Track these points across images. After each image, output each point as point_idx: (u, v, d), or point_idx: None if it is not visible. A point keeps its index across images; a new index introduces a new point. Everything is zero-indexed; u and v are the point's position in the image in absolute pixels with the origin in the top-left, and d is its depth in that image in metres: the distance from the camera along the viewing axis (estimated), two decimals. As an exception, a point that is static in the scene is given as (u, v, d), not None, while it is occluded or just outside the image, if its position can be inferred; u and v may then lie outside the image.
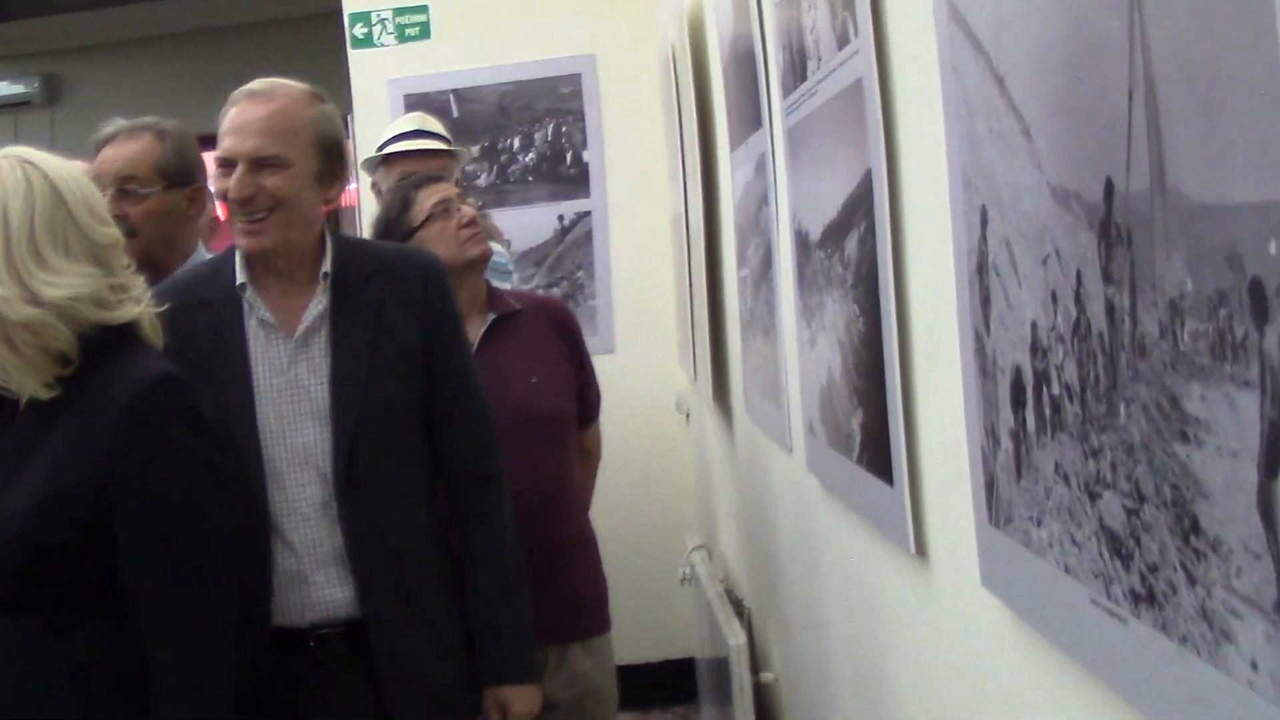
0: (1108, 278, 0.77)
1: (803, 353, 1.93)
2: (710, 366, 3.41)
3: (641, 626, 4.27)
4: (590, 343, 4.53)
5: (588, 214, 4.70)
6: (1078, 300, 0.82)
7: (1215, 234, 0.64)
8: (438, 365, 2.11)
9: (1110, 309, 0.77)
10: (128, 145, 2.44)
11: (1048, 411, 0.89)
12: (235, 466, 1.88)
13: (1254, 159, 0.60)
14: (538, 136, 4.69)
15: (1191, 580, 0.69)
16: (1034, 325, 0.90)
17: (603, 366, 4.45)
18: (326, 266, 2.07)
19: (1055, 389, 0.87)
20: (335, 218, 3.09)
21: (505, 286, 3.28)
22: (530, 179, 4.68)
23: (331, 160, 2.08)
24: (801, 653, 2.34)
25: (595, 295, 4.70)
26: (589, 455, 2.99)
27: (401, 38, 4.60)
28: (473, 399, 2.15)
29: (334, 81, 5.27)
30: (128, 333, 1.76)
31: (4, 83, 8.25)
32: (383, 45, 4.60)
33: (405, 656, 2.05)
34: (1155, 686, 0.74)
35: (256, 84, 2.09)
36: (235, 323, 2.05)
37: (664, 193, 4.48)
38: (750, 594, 3.06)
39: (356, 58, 4.59)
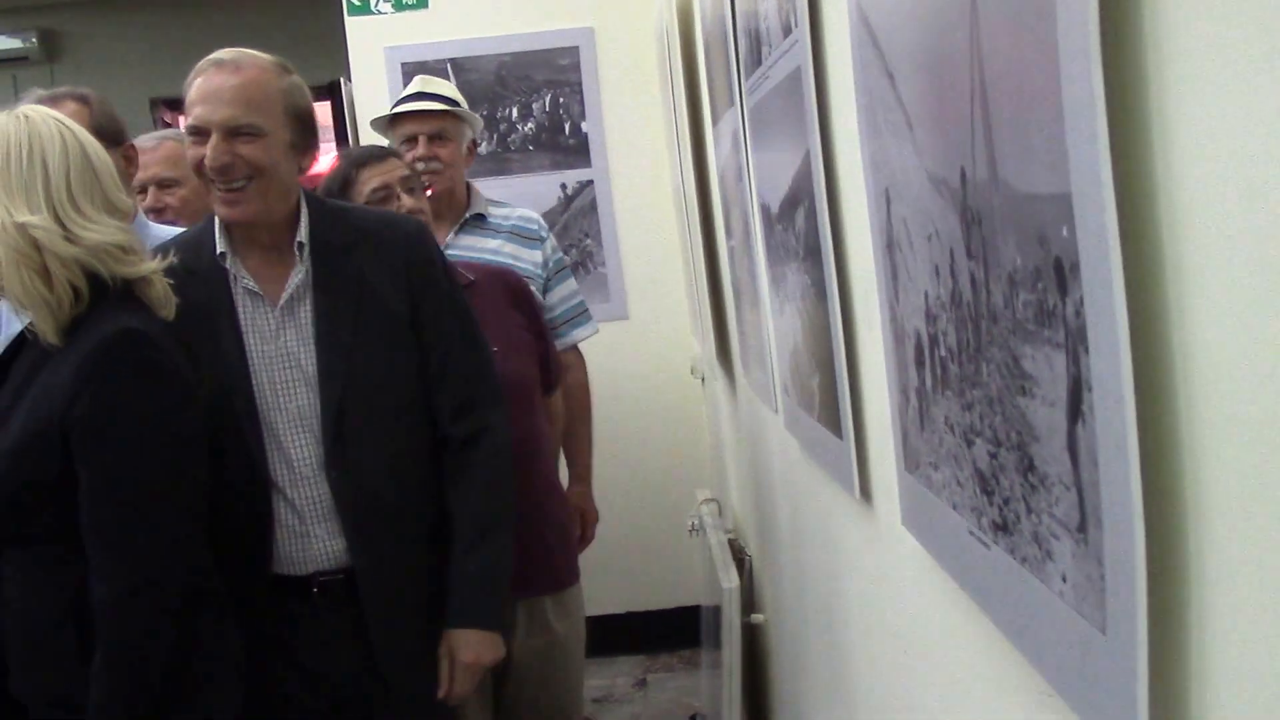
0: (970, 254, 0.89)
1: (775, 319, 2.05)
2: (714, 331, 3.54)
3: (654, 576, 4.45)
4: (603, 309, 4.67)
5: (590, 183, 4.79)
6: (952, 274, 0.94)
7: (1031, 219, 0.76)
8: (427, 329, 2.16)
9: (973, 281, 0.89)
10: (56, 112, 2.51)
11: (938, 371, 1.01)
12: (196, 424, 1.94)
13: (1048, 157, 0.72)
14: (535, 107, 4.76)
15: (1029, 510, 0.81)
16: (926, 295, 1.02)
17: (616, 333, 4.59)
18: (301, 236, 2.10)
19: (943, 351, 0.99)
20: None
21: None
22: (530, 148, 4.75)
23: (304, 130, 2.11)
24: (785, 595, 2.48)
25: (604, 263, 4.80)
26: (552, 422, 3.05)
27: (399, 6, 4.66)
28: (463, 360, 2.19)
29: (331, 48, 5.34)
30: (133, 293, 1.89)
31: (1, 36, 8.22)
32: (380, 13, 4.65)
33: (393, 607, 2.13)
34: (1004, 600, 0.87)
35: (223, 53, 2.11)
36: (223, 291, 2.10)
37: (665, 163, 4.58)
38: (753, 544, 3.20)
39: (354, 24, 4.63)
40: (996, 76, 0.80)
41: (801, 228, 1.60)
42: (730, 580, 2.76)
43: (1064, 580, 0.75)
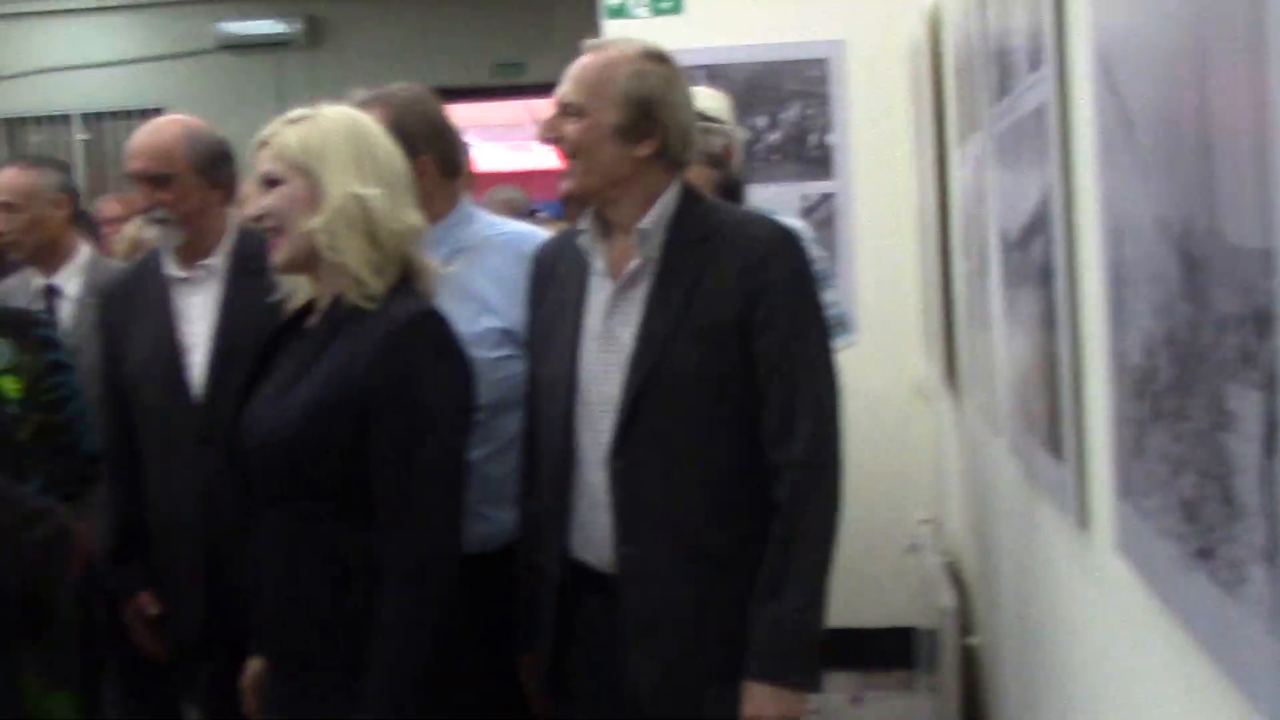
0: (1187, 297, 0.95)
1: (1005, 343, 2.10)
2: (943, 352, 3.57)
3: (869, 594, 4.46)
4: (831, 324, 4.72)
5: (831, 196, 4.84)
6: (1170, 313, 1.00)
7: (1240, 269, 0.82)
8: (756, 338, 2.00)
9: (1188, 322, 0.96)
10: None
11: (1154, 404, 1.07)
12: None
13: (1258, 214, 0.78)
14: (783, 117, 4.80)
15: (1228, 538, 0.88)
16: (1147, 331, 1.09)
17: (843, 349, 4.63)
18: (644, 223, 2.06)
19: (1159, 386, 1.05)
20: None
21: None
22: (775, 158, 4.80)
23: (639, 116, 2.04)
24: (1003, 619, 2.51)
25: (838, 275, 4.84)
26: None
27: (655, 10, 4.74)
28: (789, 379, 2.00)
29: (589, 50, 5.55)
30: (411, 282, 2.05)
31: (267, 21, 8.56)
32: (636, 17, 4.73)
33: (657, 621, 2.02)
34: (1207, 624, 0.93)
35: (606, 38, 2.18)
36: (582, 268, 2.14)
37: (907, 179, 4.61)
38: (970, 565, 3.22)
39: (611, 28, 4.72)
40: (1222, 135, 0.86)
41: (1037, 257, 1.66)
42: (947, 601, 2.78)
43: (1259, 604, 0.81)
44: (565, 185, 2.12)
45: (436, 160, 2.44)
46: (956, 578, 3.16)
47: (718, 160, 2.95)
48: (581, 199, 2.15)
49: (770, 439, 2.01)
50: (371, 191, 1.99)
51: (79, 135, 9.29)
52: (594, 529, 2.07)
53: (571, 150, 2.07)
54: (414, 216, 2.05)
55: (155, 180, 2.64)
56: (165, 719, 3.16)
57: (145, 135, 2.70)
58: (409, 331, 1.95)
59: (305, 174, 2.00)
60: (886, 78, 4.65)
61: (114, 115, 9.26)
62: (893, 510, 4.43)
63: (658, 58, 2.11)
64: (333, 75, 8.48)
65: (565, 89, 2.07)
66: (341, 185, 1.98)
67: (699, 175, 3.14)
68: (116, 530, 2.75)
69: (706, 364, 2.01)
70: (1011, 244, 1.93)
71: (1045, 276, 1.61)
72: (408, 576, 1.92)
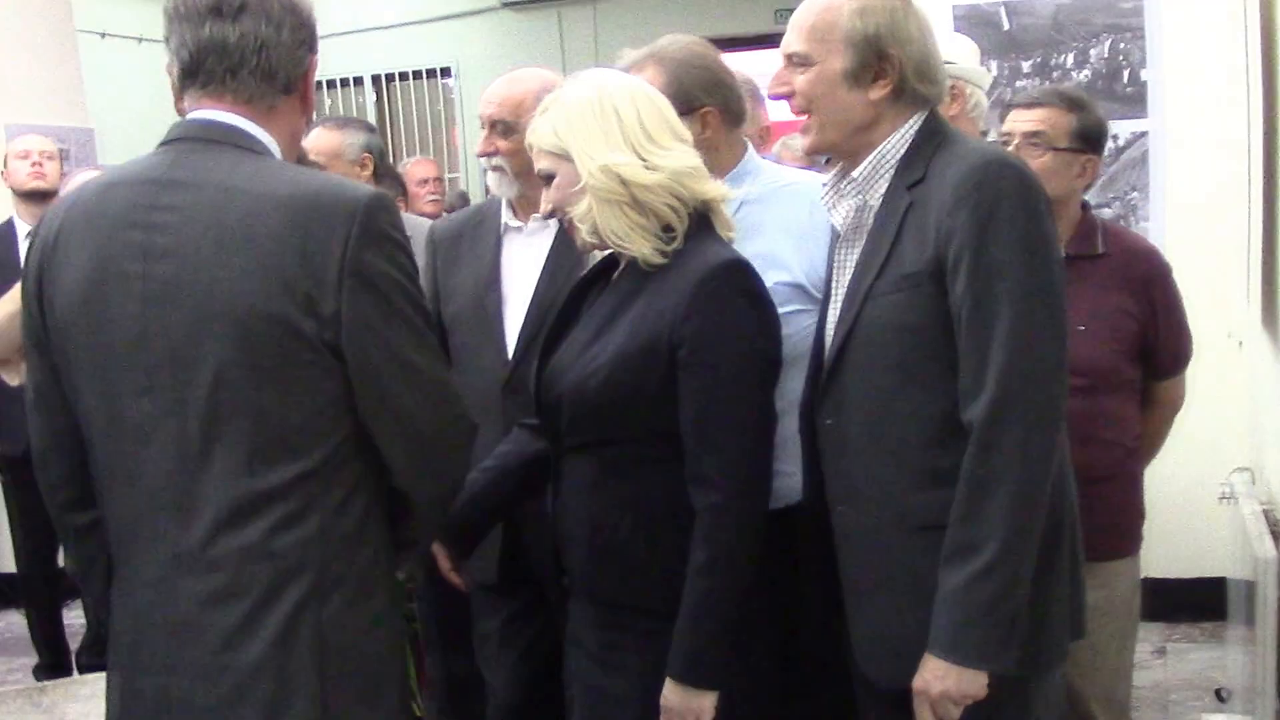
0: None
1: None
2: (1264, 293, 3.41)
3: (1177, 544, 4.33)
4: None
5: (1144, 134, 4.64)
6: None
7: None
8: (950, 284, 1.83)
9: None
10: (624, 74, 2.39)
11: None
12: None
13: None
14: (1093, 53, 4.61)
15: None
16: None
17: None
18: (855, 171, 1.98)
19: None
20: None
21: None
22: (1084, 97, 4.65)
23: (869, 57, 1.92)
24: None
25: (1149, 217, 4.65)
26: (1159, 407, 2.89)
27: (951, -57, 4.56)
28: (980, 330, 1.80)
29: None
30: (707, 222, 2.06)
31: None
32: None
33: (866, 584, 1.98)
34: None
35: None
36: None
37: (1226, 116, 4.38)
38: (1291, 517, 3.10)
39: None
40: None
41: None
42: (1266, 552, 2.69)
43: None
44: (806, 142, 2.02)
45: (720, 110, 2.38)
46: (1275, 529, 3.06)
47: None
48: (824, 153, 2.07)
49: (961, 395, 1.83)
50: (618, 158, 1.99)
51: (370, 97, 9.76)
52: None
53: (805, 104, 1.97)
54: (673, 158, 2.01)
55: (501, 127, 2.70)
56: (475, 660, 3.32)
57: (504, 84, 2.76)
58: (714, 281, 1.97)
59: (566, 159, 2.03)
60: (1208, 6, 4.42)
61: (401, 76, 9.70)
62: (1205, 458, 4.27)
63: None
64: (613, 29, 8.62)
65: (788, 39, 1.97)
66: (591, 161, 2.00)
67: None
68: None
69: (905, 316, 1.88)
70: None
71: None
72: (716, 524, 1.94)
